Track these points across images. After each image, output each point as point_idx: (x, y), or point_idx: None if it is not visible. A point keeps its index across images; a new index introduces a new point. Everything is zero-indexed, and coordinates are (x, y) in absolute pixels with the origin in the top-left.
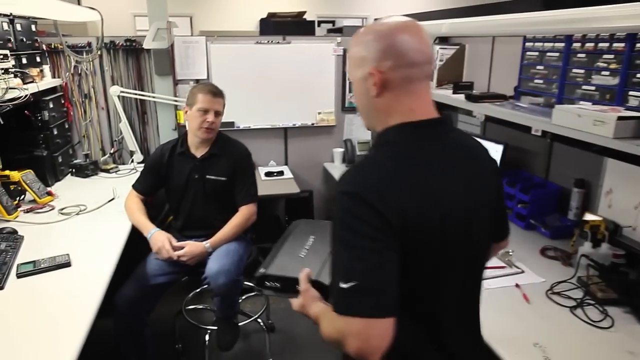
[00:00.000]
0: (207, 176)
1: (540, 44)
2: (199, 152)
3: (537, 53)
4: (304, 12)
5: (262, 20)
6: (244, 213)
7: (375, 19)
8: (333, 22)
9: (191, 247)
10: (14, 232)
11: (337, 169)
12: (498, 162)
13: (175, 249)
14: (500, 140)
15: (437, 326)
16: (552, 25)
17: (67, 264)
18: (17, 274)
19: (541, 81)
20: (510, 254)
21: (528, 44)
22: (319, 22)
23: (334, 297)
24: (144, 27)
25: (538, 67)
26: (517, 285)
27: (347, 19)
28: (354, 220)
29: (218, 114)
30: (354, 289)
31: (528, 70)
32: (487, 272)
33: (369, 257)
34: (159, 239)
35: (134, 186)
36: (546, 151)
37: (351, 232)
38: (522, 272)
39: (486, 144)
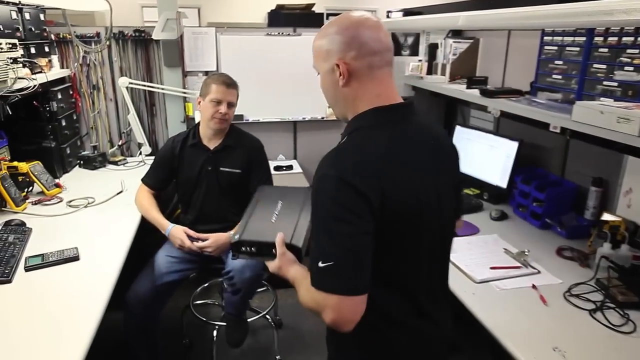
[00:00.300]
0: (221, 168)
1: (560, 37)
2: (212, 144)
3: (556, 47)
4: (313, 4)
5: (271, 12)
6: None
7: (370, 11)
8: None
9: (215, 237)
10: (22, 224)
11: None
12: (513, 158)
13: (194, 240)
14: (515, 136)
15: (419, 297)
16: (575, 18)
17: (76, 258)
18: (25, 267)
19: (560, 76)
20: (526, 253)
21: (547, 38)
22: (328, 15)
23: (312, 273)
24: (151, 18)
25: (557, 62)
26: (533, 286)
27: (356, 12)
28: (335, 204)
29: (231, 105)
30: (329, 268)
31: (546, 65)
32: (502, 272)
33: (346, 242)
34: (177, 236)
35: (144, 181)
36: (562, 148)
37: (331, 216)
38: (539, 272)
39: (500, 140)
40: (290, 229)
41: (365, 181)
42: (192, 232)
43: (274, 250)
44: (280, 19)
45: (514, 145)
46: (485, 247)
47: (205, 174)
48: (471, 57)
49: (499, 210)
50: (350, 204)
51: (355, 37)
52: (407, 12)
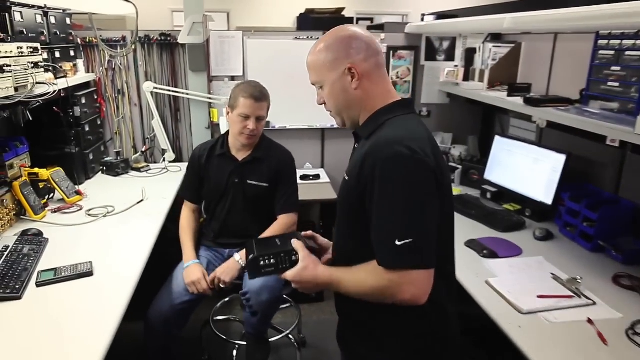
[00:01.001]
0: (248, 181)
1: (618, 41)
2: (240, 155)
3: (612, 52)
4: (343, 9)
5: (300, 16)
6: (284, 222)
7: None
8: (372, 20)
9: (222, 269)
10: (40, 234)
11: None
12: (559, 173)
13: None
14: (561, 148)
15: (451, 281)
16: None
17: (89, 273)
18: (36, 282)
19: (617, 84)
20: (579, 281)
21: (601, 42)
22: (357, 19)
23: (385, 253)
24: (181, 23)
25: (613, 68)
26: (589, 321)
27: (386, 16)
28: (413, 182)
29: (260, 119)
30: (409, 245)
31: (600, 71)
32: (551, 302)
33: (423, 217)
34: (195, 274)
35: (184, 197)
36: (617, 163)
37: (409, 193)
38: (594, 303)
39: (546, 152)
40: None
41: (431, 159)
42: (207, 279)
43: (294, 257)
44: (309, 23)
45: (561, 158)
46: (530, 272)
47: (232, 186)
48: (512, 62)
49: (544, 229)
50: (426, 180)
51: (358, 41)
52: (441, 16)
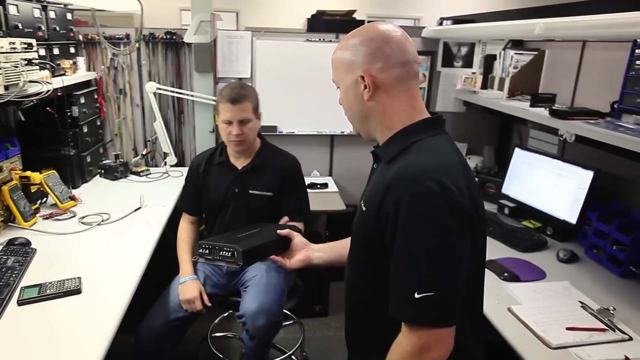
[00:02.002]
0: (250, 191)
1: None
2: (239, 163)
3: None
4: (354, 11)
5: (312, 17)
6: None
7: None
8: None
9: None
10: (27, 243)
11: None
12: (586, 190)
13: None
14: (587, 163)
15: (479, 319)
16: None
17: (77, 291)
18: (18, 300)
19: None
20: (612, 312)
21: (639, 51)
22: (369, 22)
23: (401, 304)
24: (190, 22)
25: None
26: (626, 359)
27: (398, 19)
28: (441, 226)
29: (245, 121)
30: (429, 298)
31: (637, 83)
32: (583, 336)
33: (448, 268)
34: (191, 291)
35: (183, 209)
36: None
37: (435, 239)
38: (630, 339)
39: (571, 168)
40: (244, 239)
41: (465, 195)
42: (205, 297)
43: (229, 254)
44: (321, 24)
45: (588, 175)
46: (557, 299)
47: (232, 196)
48: (534, 71)
49: (568, 250)
50: (458, 225)
51: (381, 48)
52: (457, 21)
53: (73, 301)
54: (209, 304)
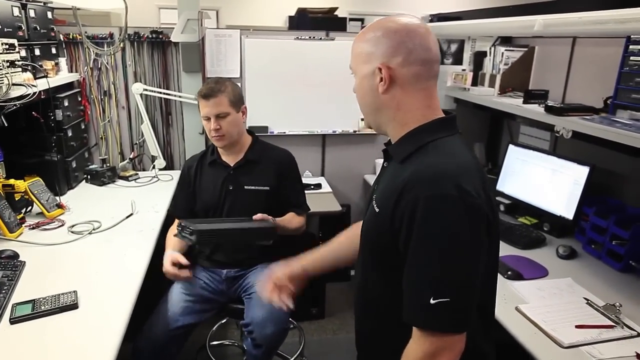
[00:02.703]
0: (246, 187)
1: None
2: (232, 160)
3: None
4: (336, 8)
5: (298, 15)
6: (299, 220)
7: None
8: (362, 20)
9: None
10: (15, 255)
11: None
12: (582, 186)
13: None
14: (580, 159)
15: (491, 320)
16: None
17: (74, 306)
18: (10, 318)
19: None
20: (618, 308)
21: (633, 47)
22: (350, 19)
23: (416, 310)
24: (168, 21)
25: None
26: (638, 357)
27: (379, 17)
28: (459, 232)
29: (221, 116)
30: (444, 305)
31: (631, 78)
32: (593, 334)
33: (465, 274)
34: (165, 266)
35: (175, 215)
36: None
37: (452, 244)
38: (638, 335)
39: (566, 164)
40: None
41: (482, 198)
42: (183, 260)
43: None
44: (306, 22)
45: (584, 170)
46: (562, 296)
47: (227, 194)
48: (524, 67)
49: (567, 246)
50: (475, 229)
51: (404, 42)
52: (442, 18)
53: (70, 317)
54: (188, 263)
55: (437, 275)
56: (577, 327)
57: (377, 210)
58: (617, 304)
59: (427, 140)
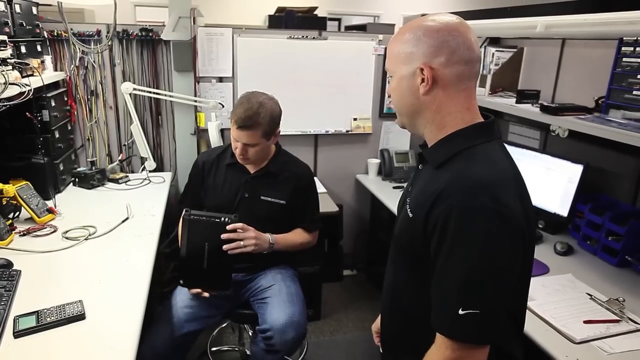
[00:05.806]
0: (262, 197)
1: None
2: (253, 167)
3: (639, 59)
4: (316, 8)
5: (286, 13)
6: (308, 236)
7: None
8: (339, 20)
9: (255, 234)
10: (9, 264)
11: (371, 182)
12: (576, 184)
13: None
14: (571, 157)
15: (521, 325)
16: None
17: (81, 316)
18: (14, 332)
19: None
20: (621, 303)
21: (625, 49)
22: (329, 18)
23: (444, 319)
24: (144, 18)
25: None
26: None
27: (358, 17)
28: (495, 242)
29: (251, 145)
30: (472, 316)
31: (624, 79)
32: (601, 328)
33: (497, 286)
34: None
35: (184, 204)
36: (635, 173)
37: (486, 256)
38: None
39: (560, 162)
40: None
41: (519, 209)
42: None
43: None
44: (295, 20)
45: (578, 168)
46: (565, 292)
47: (241, 201)
48: (513, 67)
49: (564, 243)
50: (510, 243)
51: (447, 41)
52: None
53: (78, 329)
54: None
55: (467, 286)
56: (585, 322)
57: (410, 215)
58: (620, 298)
59: (464, 146)
